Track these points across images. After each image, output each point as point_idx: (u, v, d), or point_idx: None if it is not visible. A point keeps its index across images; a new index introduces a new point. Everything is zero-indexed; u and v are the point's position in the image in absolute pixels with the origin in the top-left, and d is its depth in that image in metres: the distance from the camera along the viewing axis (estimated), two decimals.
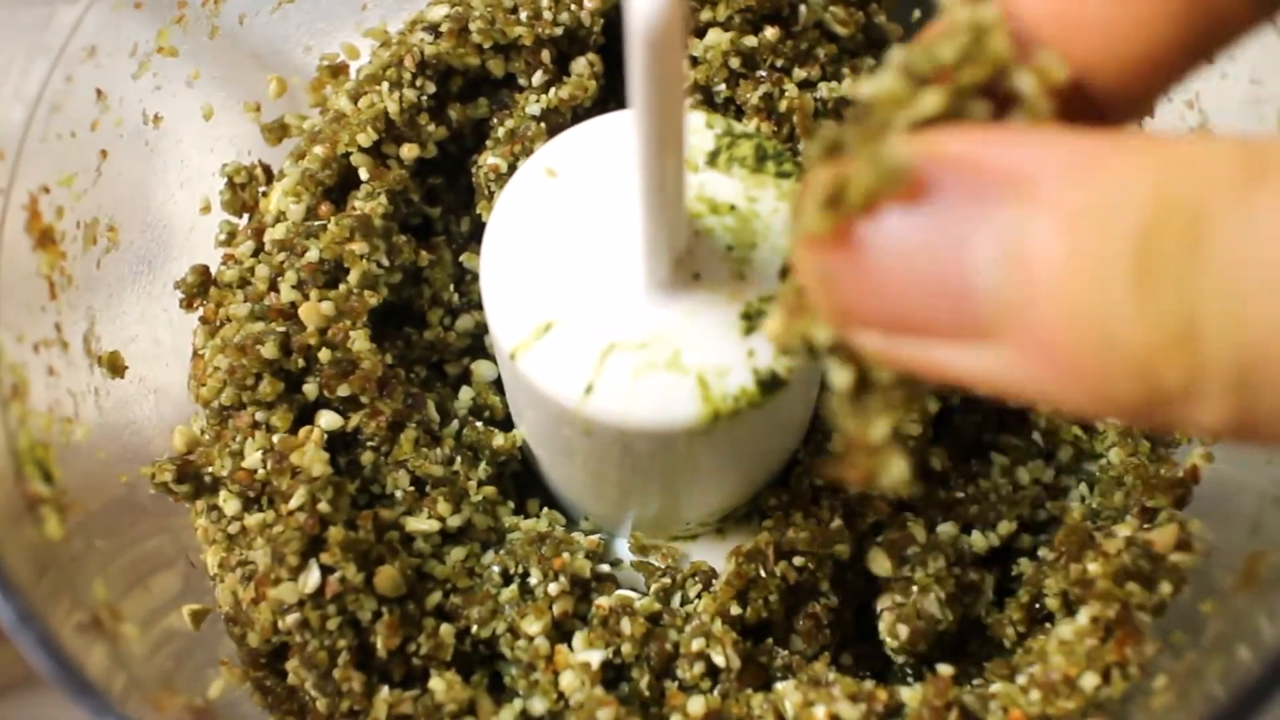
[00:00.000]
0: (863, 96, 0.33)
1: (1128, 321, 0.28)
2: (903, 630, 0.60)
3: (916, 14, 0.76)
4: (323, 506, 0.58)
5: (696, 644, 0.59)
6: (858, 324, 0.33)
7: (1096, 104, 0.34)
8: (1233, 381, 0.27)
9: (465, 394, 0.67)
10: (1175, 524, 0.59)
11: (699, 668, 0.58)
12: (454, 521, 0.62)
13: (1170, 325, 0.27)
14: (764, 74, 0.69)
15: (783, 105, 0.68)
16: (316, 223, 0.67)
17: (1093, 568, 0.58)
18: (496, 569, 0.62)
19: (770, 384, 0.52)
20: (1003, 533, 0.63)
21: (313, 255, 0.65)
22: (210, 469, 0.63)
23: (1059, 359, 0.30)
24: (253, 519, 0.61)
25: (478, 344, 0.70)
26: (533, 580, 0.61)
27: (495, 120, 0.70)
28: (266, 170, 0.72)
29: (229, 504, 0.62)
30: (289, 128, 0.73)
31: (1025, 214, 0.29)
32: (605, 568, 0.63)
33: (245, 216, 0.72)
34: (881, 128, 0.33)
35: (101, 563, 0.58)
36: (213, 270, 0.69)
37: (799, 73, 0.69)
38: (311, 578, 0.57)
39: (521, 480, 0.67)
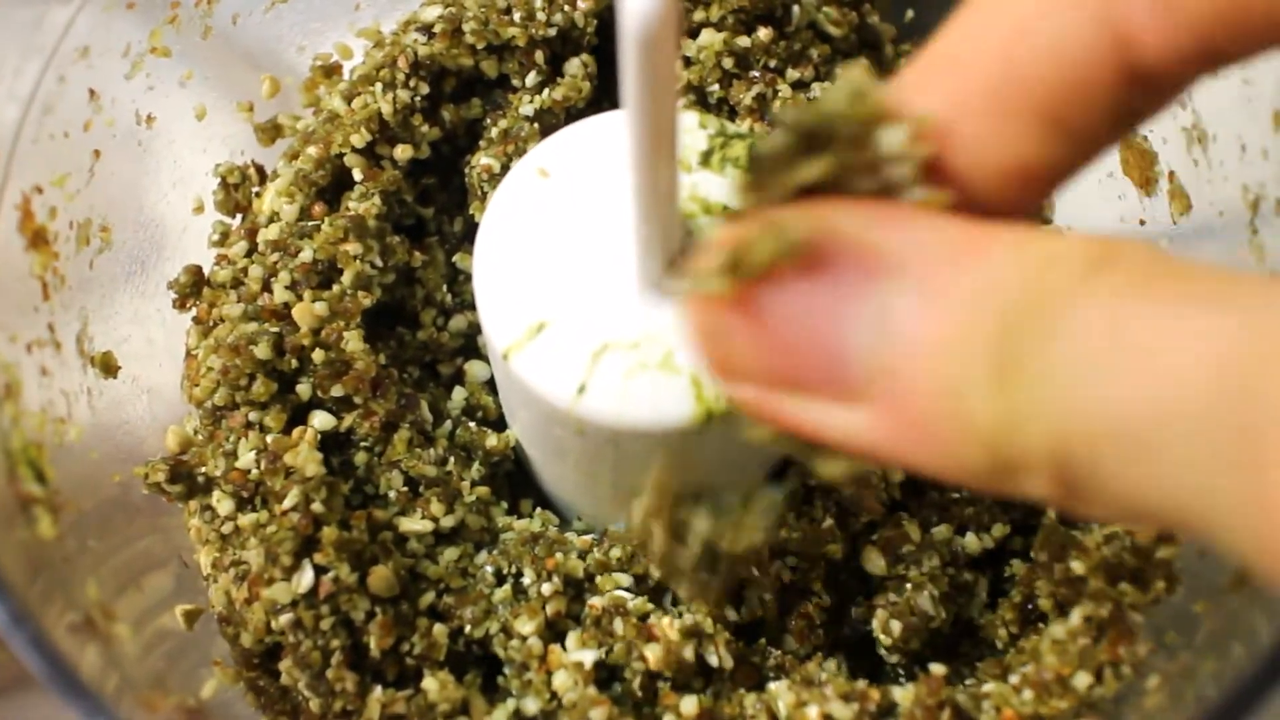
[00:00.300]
0: (759, 153, 0.36)
1: (981, 399, 0.31)
2: (895, 626, 0.60)
3: (910, 14, 0.76)
4: (316, 507, 0.58)
5: (689, 644, 0.59)
6: (740, 378, 0.36)
7: (983, 206, 0.36)
8: (1052, 463, 0.30)
9: (458, 394, 0.67)
10: None
11: (691, 667, 0.58)
12: (447, 522, 0.62)
13: (1012, 406, 0.30)
14: (757, 74, 0.70)
15: (776, 106, 0.68)
16: (310, 223, 0.67)
17: (1076, 565, 0.58)
18: (490, 569, 0.62)
19: None
20: (996, 535, 0.63)
21: (306, 256, 0.65)
22: (203, 469, 0.63)
23: (918, 426, 0.33)
24: (246, 519, 0.61)
25: (471, 344, 0.70)
26: (526, 580, 0.61)
27: (488, 121, 0.70)
28: (260, 170, 0.72)
29: (222, 504, 0.62)
30: (282, 128, 0.74)
31: (903, 293, 0.32)
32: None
33: (238, 217, 0.72)
34: (780, 195, 0.35)
35: (94, 563, 0.58)
36: (206, 270, 0.69)
37: (792, 73, 0.69)
38: (305, 578, 0.57)
39: (515, 480, 0.67)
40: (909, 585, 0.61)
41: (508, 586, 0.61)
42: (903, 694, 0.57)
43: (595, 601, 0.60)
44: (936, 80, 0.37)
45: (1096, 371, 0.29)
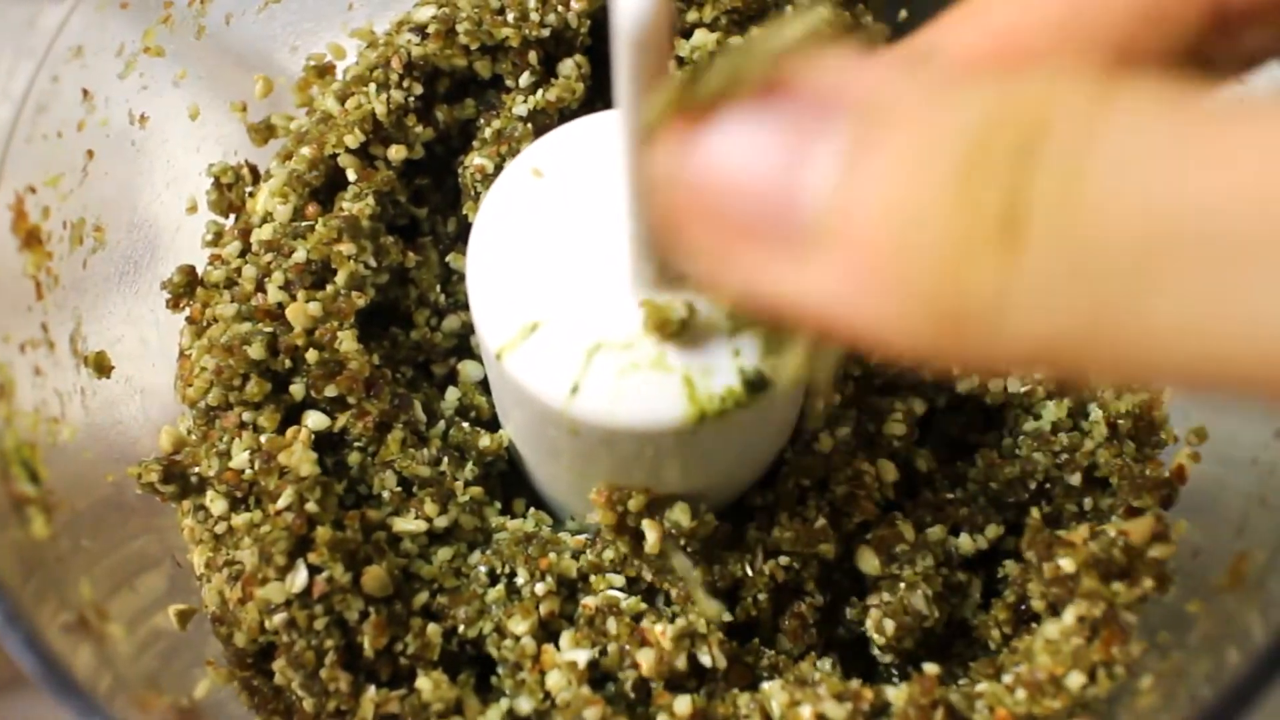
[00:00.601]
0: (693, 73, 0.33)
1: (940, 214, 0.27)
2: (889, 625, 0.60)
3: (903, 14, 0.76)
4: (310, 506, 0.58)
5: (682, 652, 0.59)
6: (688, 227, 0.32)
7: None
8: (1062, 272, 0.26)
9: (452, 394, 0.67)
10: (1151, 515, 0.59)
11: (685, 667, 0.58)
12: (441, 522, 0.62)
13: (988, 215, 0.27)
14: None
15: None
16: (304, 223, 0.67)
17: (1065, 563, 0.58)
18: (483, 569, 0.62)
19: (756, 384, 0.52)
20: (990, 535, 0.63)
21: (300, 256, 0.65)
22: (197, 469, 0.63)
23: (869, 263, 0.28)
24: (240, 519, 0.60)
25: (464, 344, 0.70)
26: (519, 580, 0.61)
27: (482, 121, 0.70)
28: (253, 170, 0.72)
29: (216, 504, 0.62)
30: (275, 128, 0.74)
31: (870, 128, 0.29)
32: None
33: (232, 217, 0.72)
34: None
35: (88, 563, 0.58)
36: (199, 270, 0.69)
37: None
38: (299, 577, 0.57)
39: (508, 480, 0.67)
40: (902, 584, 0.61)
41: (501, 586, 0.61)
42: (896, 694, 0.57)
43: (588, 601, 0.60)
44: (995, 14, 0.34)
45: (1153, 174, 0.25)
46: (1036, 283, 0.27)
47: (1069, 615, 0.57)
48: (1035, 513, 0.62)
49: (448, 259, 0.71)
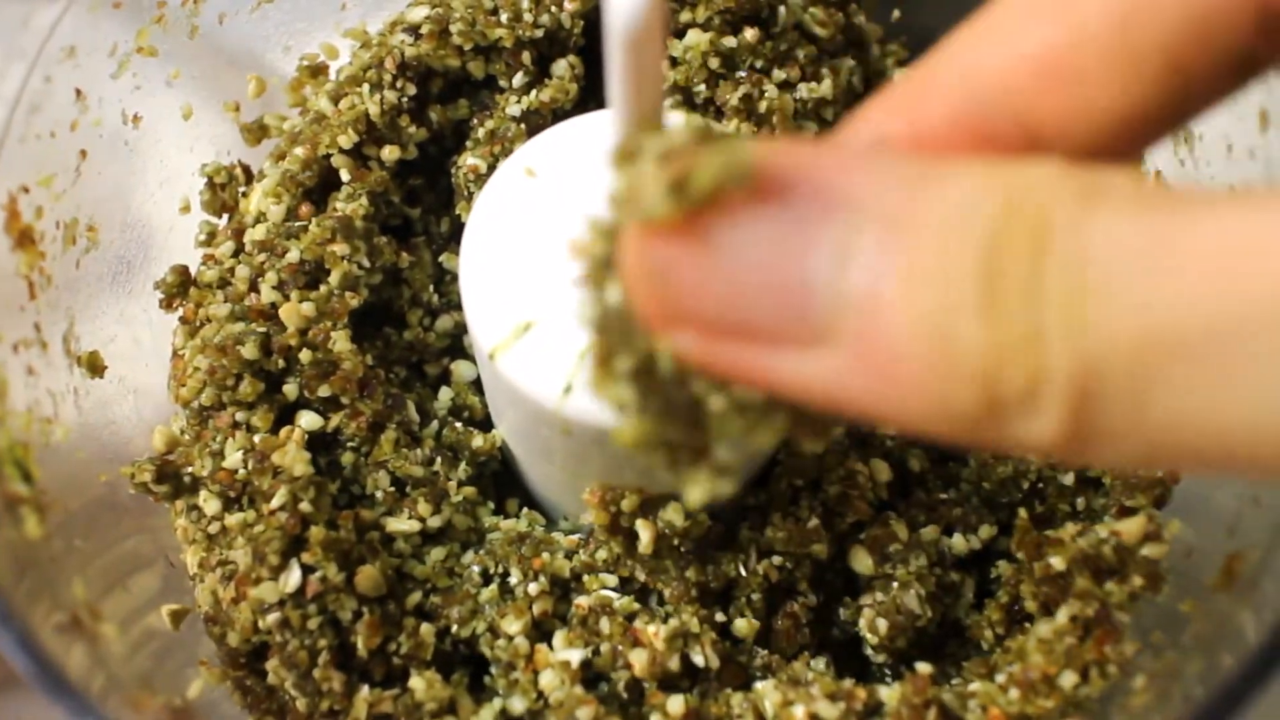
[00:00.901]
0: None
1: (972, 326, 0.28)
2: (882, 625, 0.60)
3: (896, 14, 0.76)
4: (304, 506, 0.58)
5: (674, 653, 0.58)
6: (684, 323, 0.32)
7: (1084, 156, 0.34)
8: (1073, 388, 0.27)
9: (445, 394, 0.67)
10: (1144, 515, 0.59)
11: (678, 667, 0.58)
12: (434, 522, 0.62)
13: (1015, 330, 0.28)
14: (743, 75, 0.70)
15: (762, 106, 0.68)
16: (297, 224, 0.67)
17: (1055, 561, 0.58)
18: (476, 569, 0.62)
19: None
20: (983, 536, 0.63)
21: (293, 256, 0.65)
22: (190, 469, 0.63)
23: (896, 365, 0.29)
24: (233, 519, 0.60)
25: (457, 344, 0.70)
26: (512, 580, 0.61)
27: (475, 121, 0.70)
28: (246, 170, 0.72)
29: (209, 504, 0.62)
30: (269, 128, 0.74)
31: (866, 223, 0.29)
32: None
33: (225, 217, 0.72)
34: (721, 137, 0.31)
35: (81, 563, 0.58)
36: (192, 270, 0.69)
37: (778, 74, 0.70)
38: (292, 577, 0.57)
39: (501, 480, 0.67)
40: (895, 584, 0.61)
41: (494, 586, 0.61)
42: (889, 693, 0.57)
43: (582, 601, 0.60)
44: (1049, 12, 0.34)
45: (1140, 281, 0.26)
46: (1049, 397, 0.28)
47: (1062, 615, 0.57)
48: (1023, 513, 0.62)
49: (441, 259, 0.71)
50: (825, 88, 0.70)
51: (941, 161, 0.30)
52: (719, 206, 0.30)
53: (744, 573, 0.61)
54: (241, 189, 0.72)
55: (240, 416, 0.63)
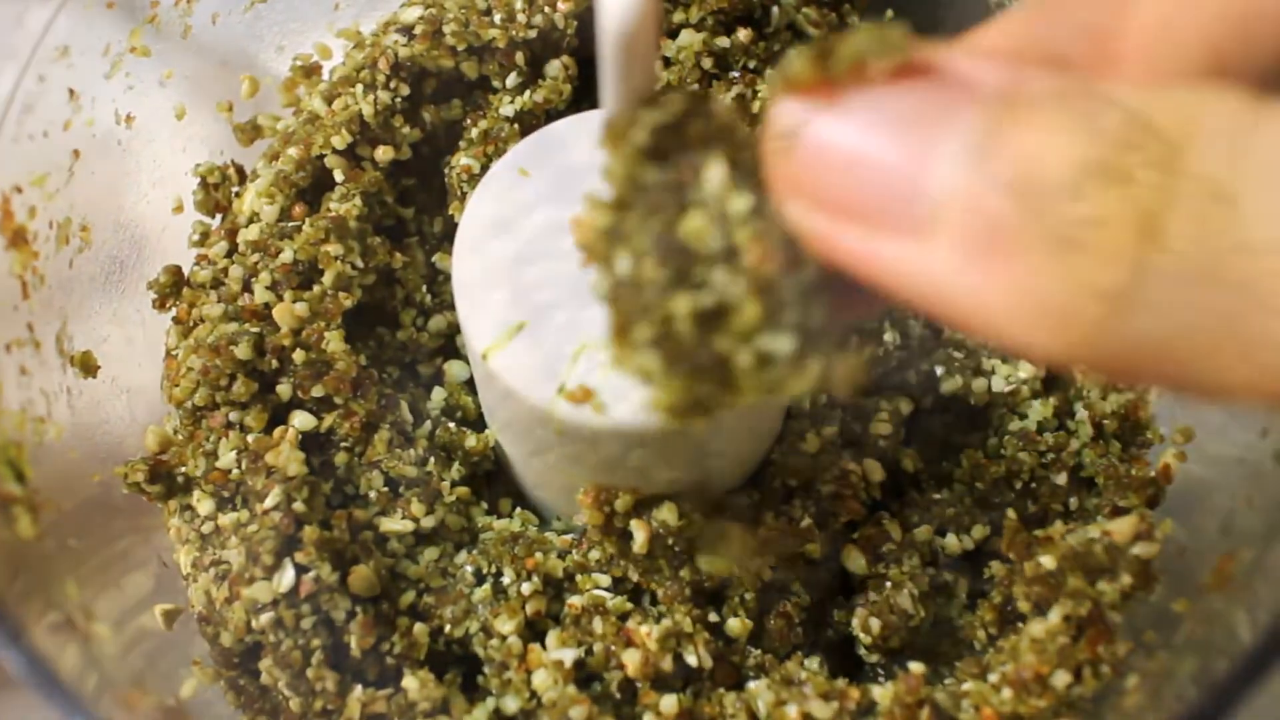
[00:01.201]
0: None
1: (1075, 210, 0.27)
2: (875, 624, 0.61)
3: (889, 14, 0.76)
4: (298, 506, 0.58)
5: (667, 654, 0.58)
6: (807, 195, 0.32)
7: None
8: (1195, 276, 0.26)
9: (438, 394, 0.67)
10: (1136, 514, 0.59)
11: (670, 667, 0.58)
12: (427, 522, 0.62)
13: (1125, 215, 0.27)
14: (736, 75, 0.70)
15: (755, 106, 0.68)
16: (290, 224, 0.67)
17: (1045, 560, 0.58)
18: (469, 569, 0.62)
19: None
20: (976, 536, 0.63)
21: (287, 256, 0.65)
22: (183, 469, 0.63)
23: (994, 253, 0.29)
24: (227, 519, 0.60)
25: (450, 344, 0.70)
26: (505, 580, 0.61)
27: (469, 122, 0.70)
28: (239, 170, 0.72)
29: (203, 504, 0.62)
30: (262, 128, 0.73)
31: (1003, 123, 0.29)
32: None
33: (218, 217, 0.72)
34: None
35: (74, 563, 0.58)
36: (186, 270, 0.69)
37: (771, 74, 0.70)
38: (286, 577, 0.57)
39: (494, 480, 0.67)
40: (889, 584, 0.61)
41: (487, 586, 0.61)
42: (882, 693, 0.57)
43: (575, 601, 0.60)
44: (1068, 15, 0.34)
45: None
46: (1167, 284, 0.27)
47: (1054, 614, 0.57)
48: (1012, 514, 0.62)
49: (434, 259, 0.71)
50: None
51: (1100, 83, 0.29)
52: (860, 76, 0.31)
53: (737, 572, 0.61)
54: (235, 189, 0.72)
55: (234, 416, 0.63)
